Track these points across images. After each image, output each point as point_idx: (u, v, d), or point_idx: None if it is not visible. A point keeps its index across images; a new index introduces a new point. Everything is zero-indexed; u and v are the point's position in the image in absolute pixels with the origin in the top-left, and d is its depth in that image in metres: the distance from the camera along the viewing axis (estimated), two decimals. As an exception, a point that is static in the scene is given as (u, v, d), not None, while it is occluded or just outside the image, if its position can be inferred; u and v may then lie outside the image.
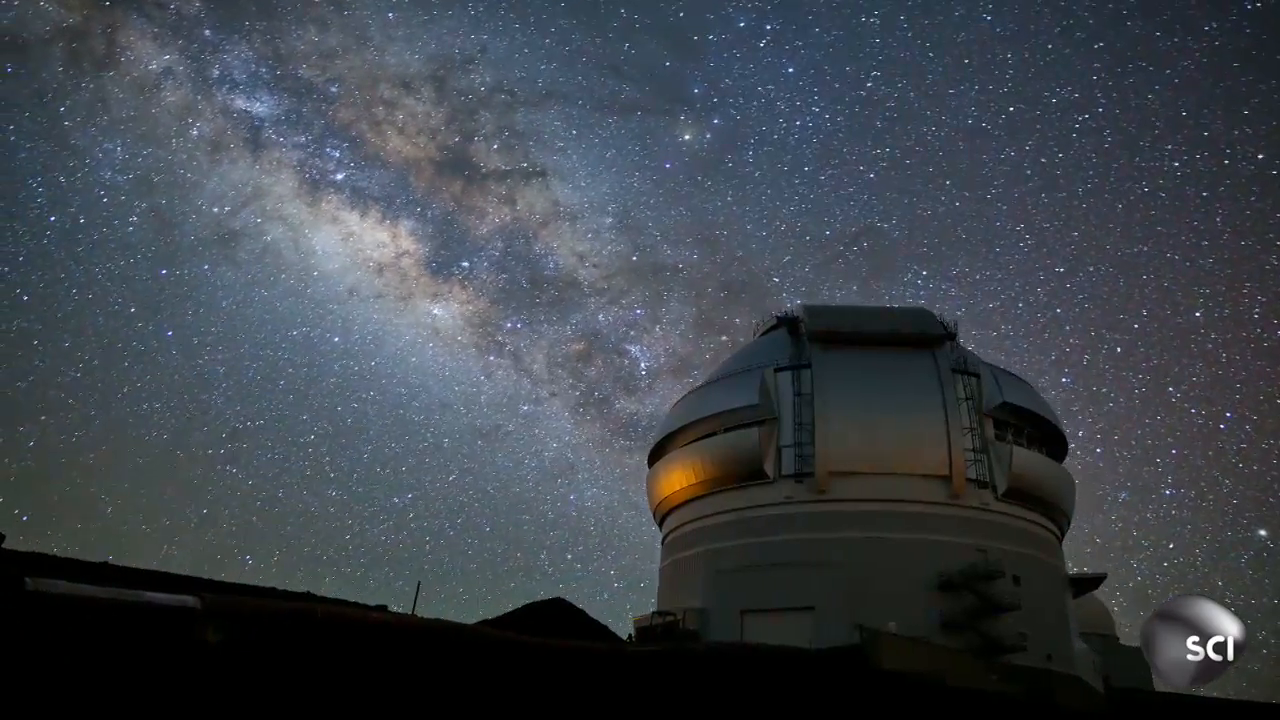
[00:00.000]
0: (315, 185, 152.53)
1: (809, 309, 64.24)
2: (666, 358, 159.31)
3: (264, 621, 25.39)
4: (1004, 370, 61.51)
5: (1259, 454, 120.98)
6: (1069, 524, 61.35)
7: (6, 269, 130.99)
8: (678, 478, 61.13)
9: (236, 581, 40.44)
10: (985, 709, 36.81)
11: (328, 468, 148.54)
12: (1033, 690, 45.21)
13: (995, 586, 50.01)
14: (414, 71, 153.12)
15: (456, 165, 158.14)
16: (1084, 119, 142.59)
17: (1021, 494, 55.76)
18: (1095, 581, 68.86)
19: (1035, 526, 56.32)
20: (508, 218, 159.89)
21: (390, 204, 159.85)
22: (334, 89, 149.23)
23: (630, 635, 54.61)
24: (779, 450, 55.60)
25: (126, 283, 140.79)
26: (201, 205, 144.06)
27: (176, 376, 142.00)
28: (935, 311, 62.42)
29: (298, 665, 23.64)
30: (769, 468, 55.34)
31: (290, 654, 23.85)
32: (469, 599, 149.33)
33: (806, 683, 35.00)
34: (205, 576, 39.79)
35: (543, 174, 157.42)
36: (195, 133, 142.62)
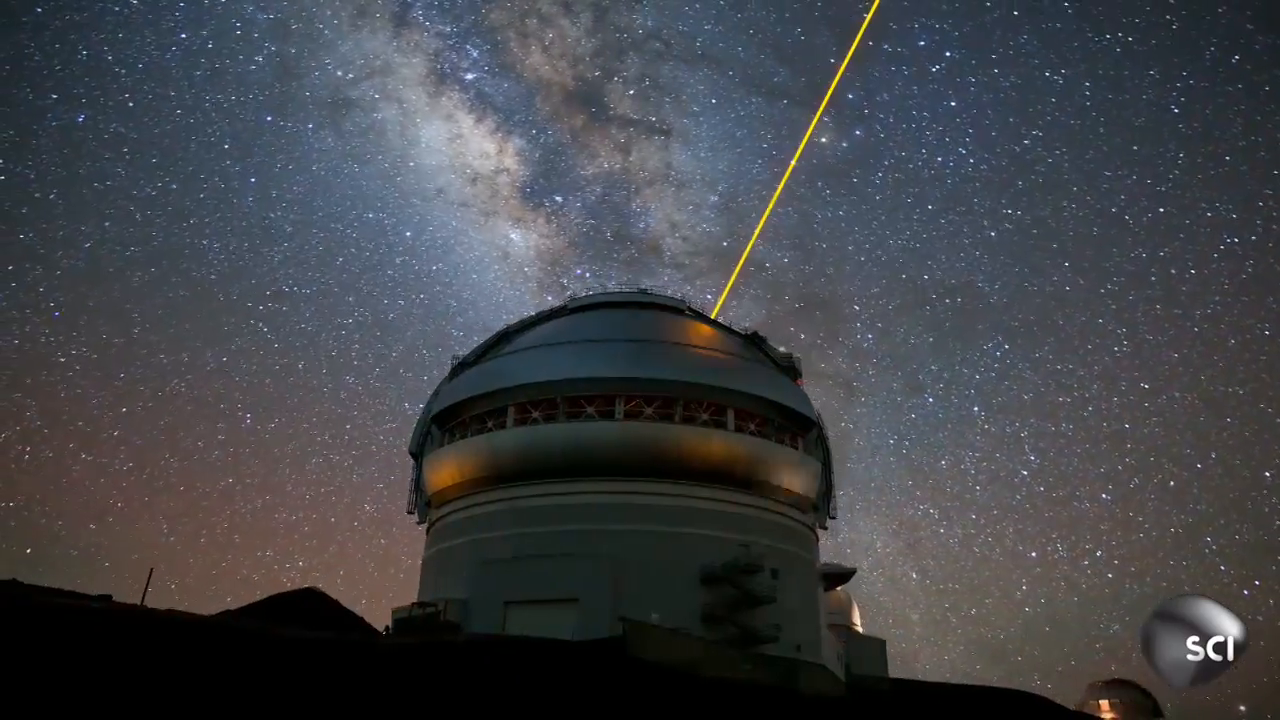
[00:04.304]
0: (443, 78, 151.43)
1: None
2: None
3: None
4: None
5: (1271, 630, 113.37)
6: (827, 519, 64.61)
7: (123, 72, 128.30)
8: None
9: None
10: (735, 698, 37.96)
11: (354, 355, 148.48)
12: (782, 679, 47.16)
13: (754, 580, 51.89)
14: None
15: (586, 99, 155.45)
16: (1232, 241, 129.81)
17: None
18: (845, 576, 72.92)
19: (794, 522, 58.98)
20: (617, 166, 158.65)
21: (508, 118, 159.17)
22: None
23: (387, 627, 52.53)
24: None
25: (229, 119, 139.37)
26: (328, 65, 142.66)
27: (244, 223, 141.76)
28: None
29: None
30: None
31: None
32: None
33: (566, 674, 34.75)
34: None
35: (667, 133, 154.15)
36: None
